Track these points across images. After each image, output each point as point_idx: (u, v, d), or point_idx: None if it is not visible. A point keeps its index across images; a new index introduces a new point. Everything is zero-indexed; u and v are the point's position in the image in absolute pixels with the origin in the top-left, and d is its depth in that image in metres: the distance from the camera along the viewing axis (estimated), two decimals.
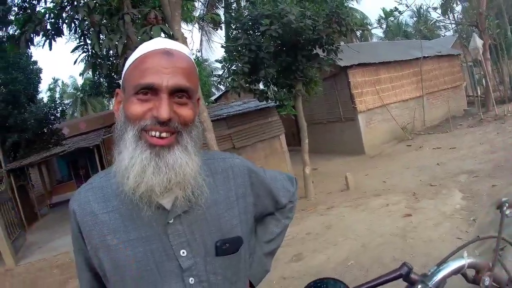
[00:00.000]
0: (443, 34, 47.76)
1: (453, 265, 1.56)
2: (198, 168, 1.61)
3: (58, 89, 58.82)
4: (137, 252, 1.65)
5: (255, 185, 1.97)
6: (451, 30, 38.85)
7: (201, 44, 33.45)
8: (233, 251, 1.77)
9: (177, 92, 1.55)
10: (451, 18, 32.83)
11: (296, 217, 11.07)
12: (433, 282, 1.48)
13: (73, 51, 12.98)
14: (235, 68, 12.98)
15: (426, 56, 25.06)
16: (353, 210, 10.93)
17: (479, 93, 28.17)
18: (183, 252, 1.67)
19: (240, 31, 13.32)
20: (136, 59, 1.60)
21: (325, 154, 22.00)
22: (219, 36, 50.61)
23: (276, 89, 13.98)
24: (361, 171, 16.42)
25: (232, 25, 14.13)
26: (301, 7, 12.53)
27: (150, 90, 1.52)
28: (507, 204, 1.75)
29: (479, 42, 22.54)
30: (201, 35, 33.75)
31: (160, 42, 1.62)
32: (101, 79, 22.07)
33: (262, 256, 2.18)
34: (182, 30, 11.11)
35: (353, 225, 9.58)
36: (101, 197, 1.71)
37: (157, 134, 1.52)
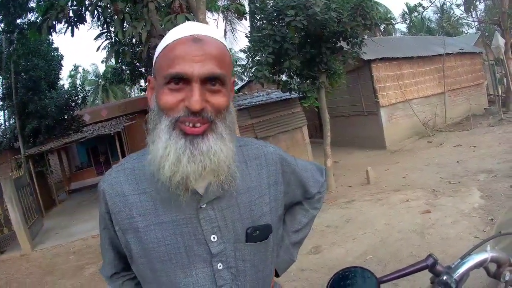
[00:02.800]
0: (465, 32, 47.48)
1: (477, 258, 1.56)
2: (232, 154, 1.61)
3: (79, 76, 59.10)
4: (167, 235, 1.67)
5: (287, 173, 1.97)
6: (474, 28, 38.66)
7: (225, 34, 33.48)
8: (262, 238, 1.78)
9: (209, 80, 1.53)
10: (473, 16, 32.56)
11: None
12: (457, 274, 1.49)
13: (96, 38, 13.05)
14: (259, 58, 12.91)
15: (448, 52, 24.85)
16: (373, 205, 10.93)
17: (500, 92, 27.91)
18: (214, 238, 1.68)
19: (264, 21, 13.28)
20: (165, 47, 1.59)
21: (346, 148, 21.92)
22: (243, 26, 50.52)
23: (299, 81, 13.93)
24: (381, 165, 16.36)
25: (256, 15, 14.09)
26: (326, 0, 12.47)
27: (181, 80, 1.51)
28: None
29: (501, 41, 22.41)
30: (225, 25, 33.67)
31: (189, 27, 1.60)
32: (124, 67, 22.04)
33: (289, 245, 2.20)
34: (207, 19, 11.13)
35: (373, 220, 9.60)
36: (133, 179, 1.73)
37: (191, 124, 1.52)
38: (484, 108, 26.21)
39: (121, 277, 2.00)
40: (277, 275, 2.17)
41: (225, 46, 1.65)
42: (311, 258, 7.95)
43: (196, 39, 1.54)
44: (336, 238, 8.93)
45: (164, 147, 1.53)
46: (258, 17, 14.09)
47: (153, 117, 1.61)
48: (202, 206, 1.67)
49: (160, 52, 1.61)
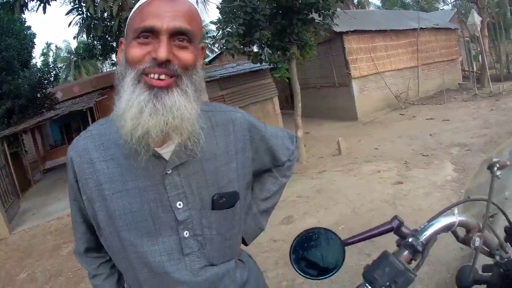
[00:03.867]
0: (441, 8, 47.83)
1: (444, 221, 1.53)
2: (196, 114, 1.59)
3: (51, 53, 58.79)
4: (133, 202, 1.66)
5: (255, 140, 1.95)
6: (450, 5, 38.90)
7: (197, 5, 33.30)
8: (229, 205, 1.77)
9: (177, 35, 1.53)
10: None
11: None
12: (424, 237, 1.46)
13: (67, 13, 12.93)
14: (230, 29, 12.89)
15: (423, 27, 25.07)
16: (344, 175, 11.01)
17: (475, 69, 28.20)
18: (179, 204, 1.66)
19: None
20: (138, 7, 1.59)
21: (317, 119, 22.12)
22: None
23: (270, 52, 13.91)
24: (353, 137, 16.48)
25: None
26: None
27: (151, 33, 1.51)
28: (497, 165, 1.72)
29: (477, 18, 22.67)
30: None
31: None
32: (95, 42, 21.91)
33: (257, 213, 2.17)
34: None
35: (344, 190, 9.66)
36: (100, 145, 1.71)
37: (156, 76, 1.50)
38: (458, 83, 26.55)
39: (96, 258, 1.98)
40: (245, 244, 2.15)
41: (196, 9, 1.66)
42: (283, 229, 7.97)
43: None
44: (307, 208, 8.96)
45: (128, 99, 1.51)
46: None
47: (119, 73, 1.61)
48: (168, 172, 1.65)
49: (133, 13, 1.61)
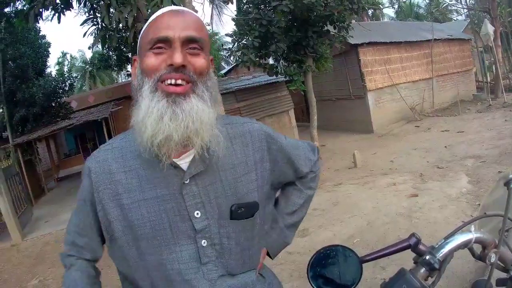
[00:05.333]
0: (454, 18, 47.65)
1: (460, 238, 1.54)
2: (214, 118, 1.63)
3: (66, 63, 58.79)
4: (152, 211, 1.68)
5: (273, 150, 1.96)
6: (463, 15, 38.84)
7: (211, 18, 33.34)
8: (248, 216, 1.78)
9: (189, 43, 1.60)
10: (463, 3, 32.64)
11: None
12: (441, 254, 1.47)
13: (82, 24, 13.02)
14: (245, 42, 12.93)
15: (437, 38, 24.90)
16: (360, 188, 10.98)
17: (488, 79, 28.03)
18: (197, 214, 1.68)
19: (251, 5, 13.28)
20: (149, 23, 1.67)
21: (333, 131, 21.96)
22: (230, 10, 50.49)
23: (286, 64, 13.92)
24: (369, 149, 16.41)
25: None
26: None
27: (164, 43, 1.58)
28: None
29: (490, 28, 22.48)
30: (211, 9, 33.54)
31: (169, 7, 1.68)
32: (110, 52, 21.98)
33: (284, 228, 2.19)
34: (193, 3, 11.08)
35: (360, 203, 9.63)
36: (120, 157, 1.76)
37: (173, 81, 1.56)
38: (473, 94, 26.39)
39: (74, 256, 1.93)
40: (270, 257, 2.16)
41: (203, 22, 1.73)
42: (298, 241, 7.92)
43: (175, 12, 1.64)
44: (323, 221, 8.94)
45: (147, 107, 1.56)
46: (244, 1, 14.06)
47: (137, 84, 1.67)
48: (186, 182, 1.67)
49: (145, 29, 1.68)
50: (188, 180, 1.67)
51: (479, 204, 7.96)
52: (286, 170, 2.07)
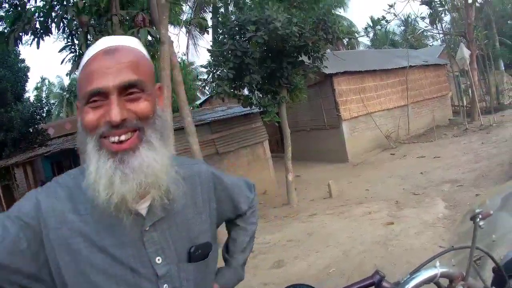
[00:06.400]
0: (430, 44, 48.25)
1: (425, 274, 1.56)
2: (168, 161, 1.59)
3: (44, 88, 58.69)
4: (111, 257, 1.59)
5: (218, 190, 1.98)
6: (439, 40, 39.25)
7: (187, 48, 33.56)
8: (203, 257, 1.78)
9: (127, 89, 1.49)
10: (439, 28, 33.05)
11: (278, 224, 11.13)
12: None
13: (60, 50, 12.96)
14: (220, 73, 12.94)
15: (412, 65, 25.19)
16: (335, 218, 10.98)
17: (465, 103, 28.35)
18: (159, 259, 1.65)
19: (226, 36, 13.31)
20: (82, 66, 1.56)
21: (308, 162, 21.98)
22: (206, 40, 50.83)
23: (260, 95, 13.95)
24: (344, 179, 16.47)
25: (219, 29, 14.13)
26: (288, 14, 12.50)
27: (99, 96, 1.47)
28: (480, 216, 1.73)
29: (466, 52, 22.83)
30: (187, 39, 33.79)
31: (102, 42, 1.59)
32: None
33: (237, 267, 2.22)
34: (169, 34, 11.12)
35: (335, 233, 9.61)
36: (72, 198, 1.64)
37: (116, 139, 1.48)
38: (449, 119, 26.69)
39: None
40: None
41: (142, 52, 1.64)
42: (273, 272, 7.92)
43: (107, 51, 1.52)
44: (298, 252, 8.90)
45: (95, 170, 1.50)
46: (220, 32, 14.11)
47: (80, 140, 1.59)
48: (146, 229, 1.64)
49: (79, 74, 1.57)
50: (148, 227, 1.64)
51: None
52: (227, 208, 2.10)
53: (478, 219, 1.72)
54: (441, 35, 34.67)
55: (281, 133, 15.41)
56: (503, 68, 39.77)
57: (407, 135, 24.00)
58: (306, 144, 23.30)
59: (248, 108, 14.98)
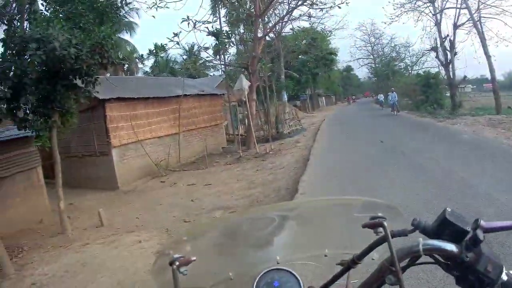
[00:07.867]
0: (211, 74, 49.42)
1: None
2: None
3: None
4: None
5: None
6: (220, 70, 40.31)
7: None
8: None
9: None
10: (221, 59, 34.02)
11: (55, 254, 10.89)
12: None
13: None
14: None
15: (186, 94, 25.89)
16: (106, 247, 10.93)
17: (241, 131, 29.33)
18: None
19: (9, 52, 12.79)
20: None
21: (80, 189, 21.53)
22: None
23: (34, 118, 13.53)
24: (115, 206, 16.48)
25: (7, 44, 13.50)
26: (69, 34, 12.25)
27: None
28: (177, 263, 1.47)
29: (245, 83, 23.99)
30: None
31: None
32: None
33: None
34: None
35: (108, 263, 9.60)
36: None
37: None
38: (222, 147, 27.85)
39: None
40: None
41: None
42: None
43: None
44: (75, 283, 8.76)
45: None
46: (3, 48, 13.55)
47: None
48: None
49: None
50: None
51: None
52: None
53: (175, 266, 1.47)
54: (222, 66, 35.81)
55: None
56: (286, 99, 42.62)
57: (178, 163, 24.53)
58: (78, 171, 22.93)
59: (23, 131, 14.46)
